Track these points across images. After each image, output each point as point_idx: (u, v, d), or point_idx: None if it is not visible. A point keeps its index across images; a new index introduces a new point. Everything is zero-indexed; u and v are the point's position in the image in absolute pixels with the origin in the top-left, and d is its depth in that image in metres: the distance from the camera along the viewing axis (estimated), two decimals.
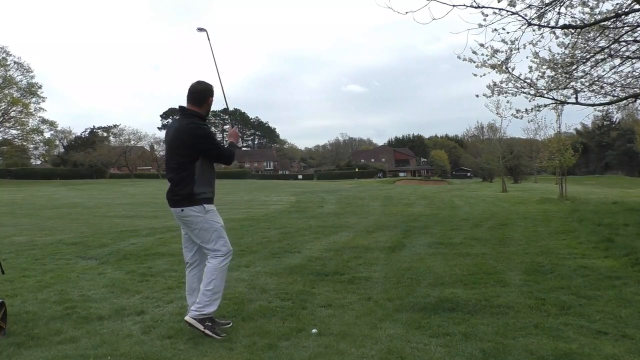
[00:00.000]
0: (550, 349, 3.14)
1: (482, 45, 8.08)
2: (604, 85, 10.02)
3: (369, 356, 3.10)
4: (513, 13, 7.23)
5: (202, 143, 3.60)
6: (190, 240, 3.79)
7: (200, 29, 4.07)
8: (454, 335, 3.44)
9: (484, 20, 7.14)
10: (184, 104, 3.76)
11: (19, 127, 56.61)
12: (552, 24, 7.83)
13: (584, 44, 8.86)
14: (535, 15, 7.56)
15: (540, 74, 9.30)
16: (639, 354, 3.09)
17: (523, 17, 7.39)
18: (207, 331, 3.47)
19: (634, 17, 8.24)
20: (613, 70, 9.67)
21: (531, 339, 3.35)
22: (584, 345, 3.22)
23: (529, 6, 7.39)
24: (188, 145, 3.58)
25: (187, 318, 3.55)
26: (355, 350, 3.19)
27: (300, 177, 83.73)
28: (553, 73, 9.31)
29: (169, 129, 3.80)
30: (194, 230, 3.65)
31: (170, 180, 3.67)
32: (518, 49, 8.18)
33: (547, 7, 7.57)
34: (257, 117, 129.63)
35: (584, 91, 10.00)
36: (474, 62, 8.60)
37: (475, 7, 6.80)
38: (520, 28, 7.63)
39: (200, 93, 3.73)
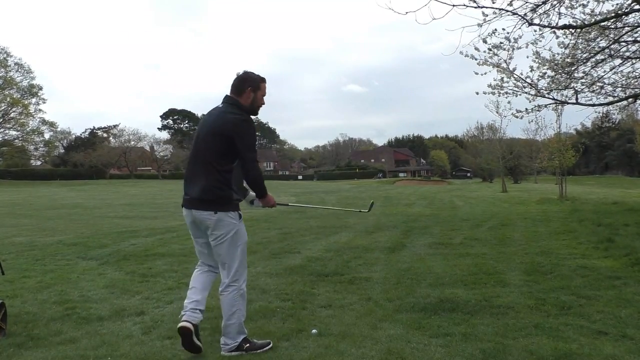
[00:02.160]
0: (550, 349, 3.14)
1: (484, 40, 8.09)
2: (604, 85, 10.03)
3: (369, 356, 3.10)
4: (513, 13, 7.24)
5: (241, 138, 3.13)
6: (207, 247, 3.36)
7: None
8: (454, 335, 3.44)
9: (484, 20, 7.16)
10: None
11: (19, 128, 56.66)
12: (553, 24, 7.85)
13: (584, 44, 8.88)
14: (536, 15, 7.57)
15: (540, 74, 9.32)
16: (639, 354, 3.08)
17: (523, 17, 7.40)
18: (251, 352, 3.19)
19: (634, 17, 8.25)
20: (613, 71, 9.68)
21: (531, 339, 3.34)
22: (584, 345, 3.21)
23: (526, 3, 7.39)
24: (228, 138, 3.12)
25: (224, 353, 3.20)
26: (355, 350, 3.19)
27: (300, 177, 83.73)
28: (553, 73, 9.33)
29: (207, 118, 3.32)
30: (221, 241, 3.17)
31: (201, 177, 3.17)
32: (519, 48, 8.19)
33: (548, 8, 7.58)
34: (257, 117, 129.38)
35: (584, 92, 10.02)
36: (476, 59, 8.61)
37: (475, 7, 6.82)
38: (520, 28, 7.65)
39: (239, 81, 3.29)
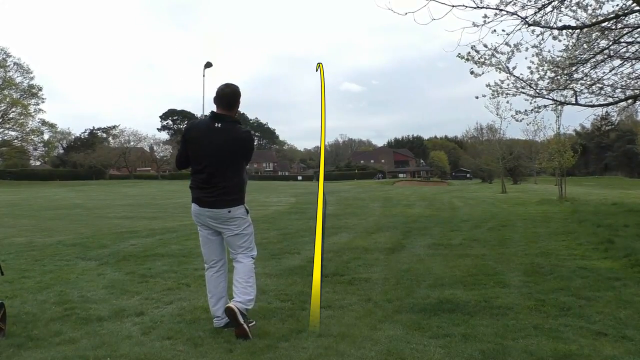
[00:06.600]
0: (550, 350, 3.14)
1: (484, 45, 8.10)
2: (604, 86, 10.04)
3: (368, 357, 3.10)
4: (513, 13, 7.24)
5: (251, 153, 3.80)
6: (214, 242, 3.81)
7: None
8: (453, 336, 3.44)
9: (484, 22, 7.16)
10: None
11: (18, 129, 56.61)
12: (552, 25, 7.86)
13: (584, 44, 8.89)
14: (535, 16, 7.57)
15: (540, 75, 9.32)
16: (638, 355, 3.09)
17: (522, 18, 7.41)
18: (247, 327, 3.48)
19: (634, 18, 8.26)
20: (613, 72, 9.69)
21: (531, 340, 3.34)
22: (583, 346, 3.22)
23: (524, 6, 7.40)
24: (244, 154, 3.71)
25: (234, 306, 3.48)
26: (355, 351, 3.19)
27: (299, 178, 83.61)
28: (553, 74, 9.34)
29: (215, 134, 3.59)
30: (238, 231, 3.70)
31: (221, 186, 3.62)
32: (520, 50, 8.20)
33: (549, 10, 7.59)
34: (256, 118, 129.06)
35: (584, 92, 10.03)
36: (475, 61, 8.61)
37: (474, 8, 6.82)
38: (519, 29, 7.65)
39: (234, 95, 3.70)
